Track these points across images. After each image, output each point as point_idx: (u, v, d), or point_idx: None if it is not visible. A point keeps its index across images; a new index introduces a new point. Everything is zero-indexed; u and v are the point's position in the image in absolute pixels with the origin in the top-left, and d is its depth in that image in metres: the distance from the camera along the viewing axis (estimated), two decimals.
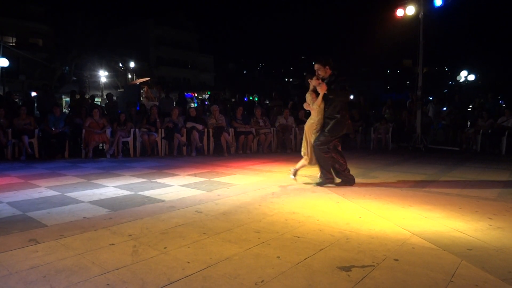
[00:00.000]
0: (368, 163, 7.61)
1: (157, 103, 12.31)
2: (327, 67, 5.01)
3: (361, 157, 8.59)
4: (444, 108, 14.17)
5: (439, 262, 2.51)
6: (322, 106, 5.02)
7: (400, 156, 8.71)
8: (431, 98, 16.45)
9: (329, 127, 4.95)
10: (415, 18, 9.96)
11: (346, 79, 4.97)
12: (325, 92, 4.90)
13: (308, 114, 5.42)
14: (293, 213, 3.71)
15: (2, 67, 21.30)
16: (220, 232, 3.12)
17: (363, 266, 2.43)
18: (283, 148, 9.74)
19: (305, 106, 5.28)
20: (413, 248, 2.76)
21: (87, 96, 12.01)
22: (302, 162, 5.29)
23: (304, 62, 64.95)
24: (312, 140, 5.05)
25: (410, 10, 9.84)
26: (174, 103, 12.74)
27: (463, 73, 24.56)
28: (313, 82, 5.06)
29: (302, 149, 5.30)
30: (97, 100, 17.77)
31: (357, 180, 5.45)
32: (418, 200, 4.27)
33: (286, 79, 61.96)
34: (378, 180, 5.56)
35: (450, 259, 2.55)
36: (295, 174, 5.26)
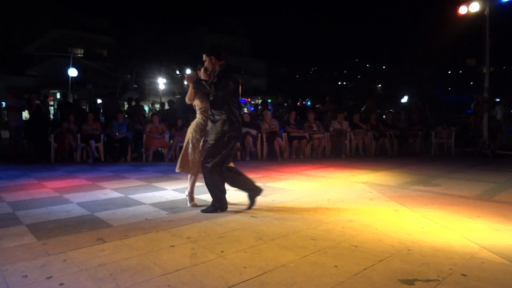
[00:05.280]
0: (430, 169, 7.23)
1: None
2: (212, 57, 4.01)
3: (422, 163, 8.19)
4: None
5: None
6: (205, 105, 4.08)
7: (464, 163, 8.18)
8: (498, 100, 15.28)
9: (209, 133, 3.97)
10: (479, 15, 9.36)
11: (227, 69, 4.01)
12: (191, 84, 4.01)
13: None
14: (350, 221, 3.61)
15: (72, 77, 23.05)
16: (276, 238, 3.12)
17: (427, 280, 2.30)
18: (338, 153, 9.55)
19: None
20: (482, 262, 2.57)
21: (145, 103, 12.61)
22: (191, 179, 4.29)
23: (358, 65, 63.37)
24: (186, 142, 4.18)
25: (474, 7, 9.27)
26: None
27: None
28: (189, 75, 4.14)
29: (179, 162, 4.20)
30: (157, 106, 18.64)
31: (418, 187, 5.23)
32: (486, 211, 3.98)
33: (340, 82, 60.82)
34: (441, 188, 5.25)
35: None
36: (192, 200, 4.30)
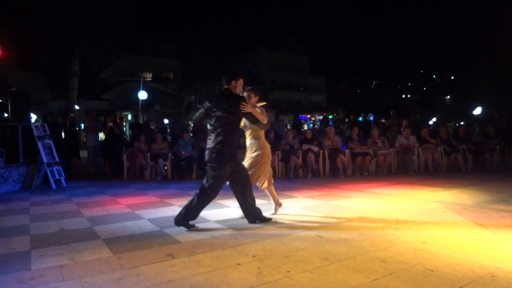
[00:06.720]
0: (511, 187, 6.60)
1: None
2: None
3: (501, 180, 7.52)
4: None
5: None
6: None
7: None
8: None
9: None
10: None
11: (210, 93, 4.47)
12: None
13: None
14: (423, 242, 3.39)
15: (142, 99, 24.62)
16: (343, 259, 3.01)
17: None
18: (405, 170, 9.10)
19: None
20: None
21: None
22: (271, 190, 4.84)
23: (423, 76, 60.40)
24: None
25: None
26: (286, 124, 13.00)
27: None
28: None
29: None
30: None
31: (498, 207, 4.81)
32: None
33: (404, 96, 58.35)
34: None
35: None
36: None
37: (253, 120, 4.30)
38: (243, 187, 4.27)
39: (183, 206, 4.18)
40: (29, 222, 4.68)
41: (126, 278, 2.70)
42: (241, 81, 4.29)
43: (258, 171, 4.62)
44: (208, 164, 4.20)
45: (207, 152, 4.20)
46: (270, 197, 4.85)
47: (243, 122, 4.53)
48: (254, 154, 4.63)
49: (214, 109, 4.15)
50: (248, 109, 4.17)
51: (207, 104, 4.23)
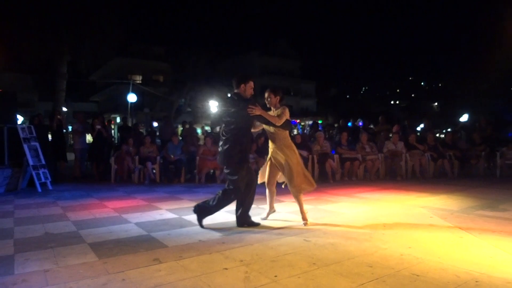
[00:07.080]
0: (496, 193, 6.72)
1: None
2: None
3: (486, 186, 7.64)
4: None
5: None
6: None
7: None
8: None
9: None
10: None
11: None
12: None
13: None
14: (409, 247, 3.42)
15: (131, 102, 24.44)
16: (330, 263, 3.02)
17: None
18: (393, 176, 9.18)
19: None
20: None
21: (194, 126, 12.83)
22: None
23: (412, 83, 61.19)
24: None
25: None
26: None
27: None
28: None
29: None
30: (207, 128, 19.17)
31: (484, 212, 4.88)
32: None
33: (392, 102, 59.01)
34: (510, 214, 4.85)
35: None
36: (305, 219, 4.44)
37: (264, 122, 4.27)
38: (246, 189, 4.29)
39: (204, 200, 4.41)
40: (13, 225, 4.59)
41: (111, 283, 2.67)
42: (251, 84, 4.24)
43: (299, 175, 4.37)
44: (224, 170, 4.31)
45: (218, 156, 4.34)
46: (268, 200, 4.68)
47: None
48: (287, 156, 4.35)
49: (224, 114, 4.21)
50: (256, 111, 4.12)
51: (219, 109, 4.30)
